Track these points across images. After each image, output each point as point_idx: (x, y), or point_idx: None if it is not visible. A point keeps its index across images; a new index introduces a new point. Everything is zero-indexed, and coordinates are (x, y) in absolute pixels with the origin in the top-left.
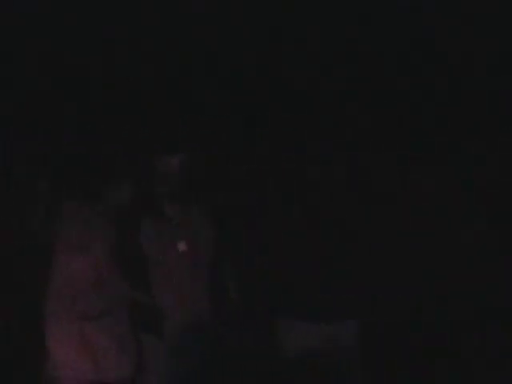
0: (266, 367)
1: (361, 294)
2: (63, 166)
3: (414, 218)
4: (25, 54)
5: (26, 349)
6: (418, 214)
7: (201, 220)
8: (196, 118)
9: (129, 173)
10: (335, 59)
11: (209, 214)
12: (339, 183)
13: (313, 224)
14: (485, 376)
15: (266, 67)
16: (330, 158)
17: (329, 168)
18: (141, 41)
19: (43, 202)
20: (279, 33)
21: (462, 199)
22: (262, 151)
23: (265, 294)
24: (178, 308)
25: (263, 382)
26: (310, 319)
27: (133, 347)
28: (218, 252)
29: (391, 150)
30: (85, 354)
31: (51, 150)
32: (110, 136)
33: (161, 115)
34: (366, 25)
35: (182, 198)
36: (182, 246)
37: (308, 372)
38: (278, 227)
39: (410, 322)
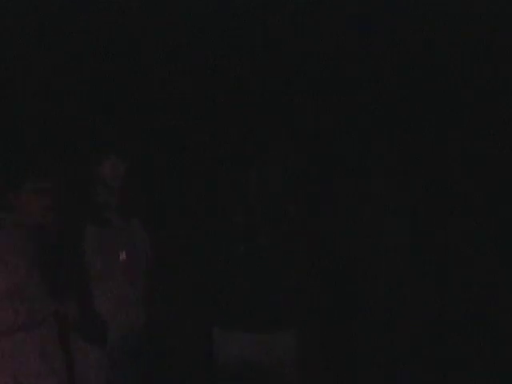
0: (202, 378)
1: (298, 302)
2: None
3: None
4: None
5: None
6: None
7: (138, 229)
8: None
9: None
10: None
11: (145, 223)
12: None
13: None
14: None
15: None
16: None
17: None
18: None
19: None
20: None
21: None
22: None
23: (201, 304)
24: (117, 318)
25: None
26: (247, 329)
27: (60, 362)
28: (153, 262)
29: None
30: (4, 370)
31: None
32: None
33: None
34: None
35: (119, 207)
36: (122, 256)
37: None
38: (214, 235)
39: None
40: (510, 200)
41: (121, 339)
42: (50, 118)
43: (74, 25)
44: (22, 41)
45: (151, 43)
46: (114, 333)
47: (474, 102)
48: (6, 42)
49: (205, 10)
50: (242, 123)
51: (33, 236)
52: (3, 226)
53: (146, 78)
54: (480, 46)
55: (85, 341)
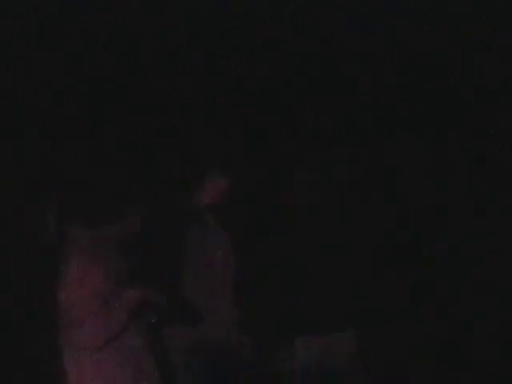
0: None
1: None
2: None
3: None
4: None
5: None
6: None
7: (230, 231)
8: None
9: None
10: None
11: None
12: None
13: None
14: None
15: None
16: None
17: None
18: None
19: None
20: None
21: None
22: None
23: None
24: (211, 320)
25: None
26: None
27: (150, 372)
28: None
29: None
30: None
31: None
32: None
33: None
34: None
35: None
36: (219, 255)
37: None
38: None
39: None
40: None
41: (211, 343)
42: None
43: (74, 25)
44: (22, 41)
45: (151, 43)
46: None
47: (474, 102)
48: (6, 42)
49: (205, 10)
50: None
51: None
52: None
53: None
54: (480, 46)
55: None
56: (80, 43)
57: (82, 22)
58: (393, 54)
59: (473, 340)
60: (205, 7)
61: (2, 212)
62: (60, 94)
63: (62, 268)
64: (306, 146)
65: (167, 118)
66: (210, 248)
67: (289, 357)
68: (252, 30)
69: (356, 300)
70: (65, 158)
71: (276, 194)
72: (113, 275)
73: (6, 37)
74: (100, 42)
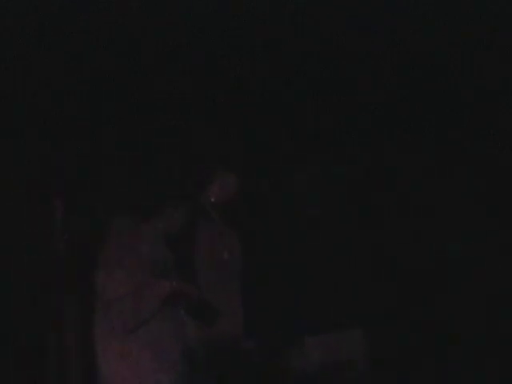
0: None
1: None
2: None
3: None
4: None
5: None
6: None
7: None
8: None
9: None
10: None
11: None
12: None
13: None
14: None
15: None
16: None
17: None
18: None
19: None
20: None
21: None
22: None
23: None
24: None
25: None
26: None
27: (175, 359)
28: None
29: None
30: (128, 368)
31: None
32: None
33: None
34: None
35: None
36: (225, 255)
37: None
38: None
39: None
40: None
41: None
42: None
43: (74, 25)
44: (22, 41)
45: (151, 43)
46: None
47: (474, 102)
48: (6, 42)
49: (205, 10)
50: None
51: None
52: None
53: None
54: (480, 46)
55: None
56: (80, 43)
57: (82, 21)
58: (393, 54)
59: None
60: (205, 7)
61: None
62: (60, 93)
63: (99, 249)
64: (306, 146)
65: (167, 117)
66: (217, 247)
67: (299, 354)
68: (252, 30)
69: (362, 299)
70: (65, 157)
71: (277, 194)
72: (148, 264)
73: (6, 37)
74: (100, 41)
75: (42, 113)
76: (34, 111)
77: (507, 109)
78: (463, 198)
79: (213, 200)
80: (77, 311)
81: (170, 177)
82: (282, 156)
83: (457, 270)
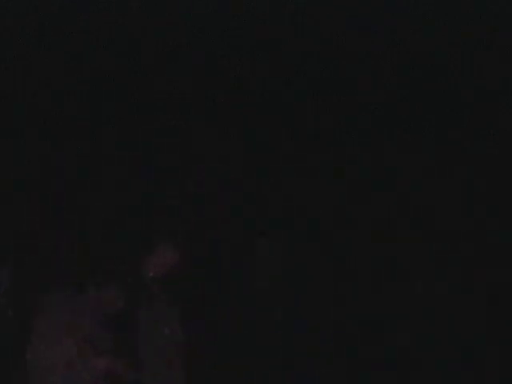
0: None
1: None
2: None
3: None
4: None
5: None
6: None
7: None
8: None
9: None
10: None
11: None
12: None
13: None
14: None
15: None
16: None
17: None
18: None
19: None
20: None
21: None
22: None
23: None
24: None
25: None
26: None
27: None
28: None
29: None
30: None
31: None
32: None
33: None
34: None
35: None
36: (166, 330)
37: None
38: None
39: None
40: None
41: None
42: None
43: (74, 25)
44: (22, 41)
45: (151, 43)
46: None
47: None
48: (6, 42)
49: (205, 10)
50: None
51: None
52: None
53: None
54: (480, 46)
55: None
56: (80, 43)
57: (82, 21)
58: (393, 54)
59: None
60: (205, 7)
61: None
62: (60, 93)
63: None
64: (306, 146)
65: (167, 117)
66: (156, 324)
67: None
68: (252, 30)
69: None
70: (65, 157)
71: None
72: (84, 341)
73: (6, 37)
74: (100, 41)
75: (42, 113)
76: (33, 111)
77: (507, 109)
78: (463, 198)
79: (151, 274)
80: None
81: (106, 253)
82: (282, 156)
83: (457, 270)
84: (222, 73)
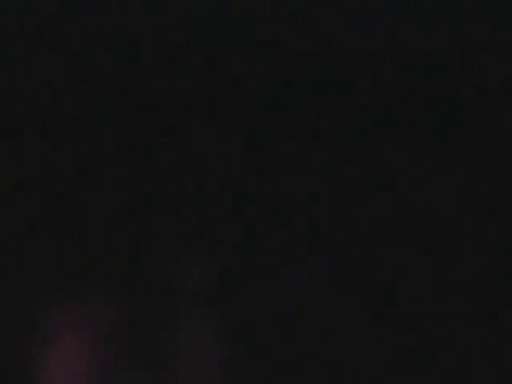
0: None
1: None
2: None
3: None
4: None
5: None
6: None
7: None
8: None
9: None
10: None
11: None
12: None
13: None
14: None
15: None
16: None
17: None
18: None
19: None
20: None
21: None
22: None
23: None
24: None
25: None
26: None
27: None
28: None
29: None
30: None
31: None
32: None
33: None
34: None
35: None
36: None
37: None
38: None
39: None
40: None
41: None
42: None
43: (74, 25)
44: (22, 41)
45: (151, 43)
46: None
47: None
48: (6, 42)
49: (205, 10)
50: None
51: None
52: None
53: None
54: (480, 46)
55: None
56: (80, 43)
57: (82, 21)
58: (393, 54)
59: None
60: (205, 7)
61: None
62: (60, 93)
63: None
64: (306, 146)
65: (167, 117)
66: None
67: None
68: (252, 30)
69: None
70: (65, 157)
71: None
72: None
73: (6, 37)
74: (100, 41)
75: (42, 113)
76: (34, 111)
77: (507, 109)
78: (463, 198)
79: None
80: None
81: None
82: (282, 156)
83: (456, 270)
84: (222, 73)
